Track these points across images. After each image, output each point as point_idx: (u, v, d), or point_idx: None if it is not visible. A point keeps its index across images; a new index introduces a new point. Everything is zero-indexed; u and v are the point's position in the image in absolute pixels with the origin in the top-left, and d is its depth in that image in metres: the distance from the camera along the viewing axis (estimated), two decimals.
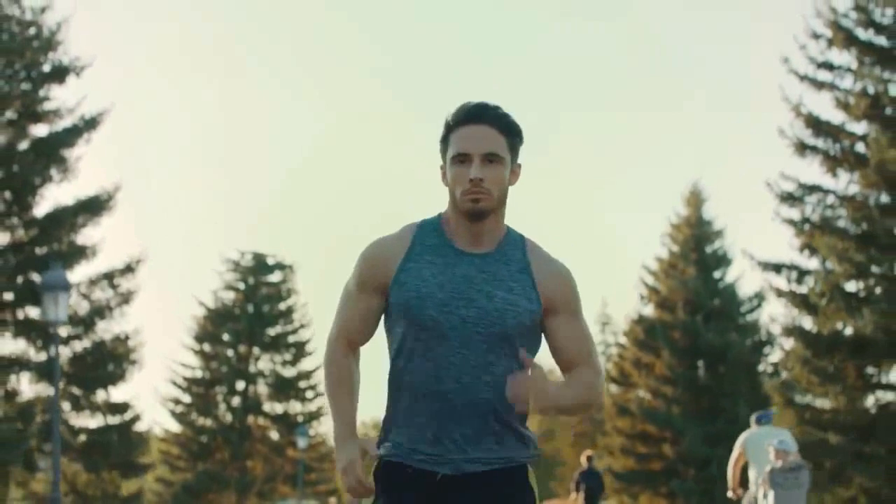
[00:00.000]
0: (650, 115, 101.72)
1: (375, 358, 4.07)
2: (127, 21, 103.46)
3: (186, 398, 50.97)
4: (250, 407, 51.22)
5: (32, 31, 30.30)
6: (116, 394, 33.06)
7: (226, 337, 51.81)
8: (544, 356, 3.96)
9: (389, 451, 3.89)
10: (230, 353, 51.79)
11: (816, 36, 30.26)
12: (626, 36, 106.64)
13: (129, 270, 31.99)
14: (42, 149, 29.74)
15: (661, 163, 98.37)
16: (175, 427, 51.26)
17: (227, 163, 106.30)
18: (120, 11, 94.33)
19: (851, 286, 29.60)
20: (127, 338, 32.04)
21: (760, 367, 44.89)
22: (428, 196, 65.02)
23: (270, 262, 53.37)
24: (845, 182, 30.05)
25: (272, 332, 52.28)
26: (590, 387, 3.85)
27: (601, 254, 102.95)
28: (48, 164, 29.73)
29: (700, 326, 45.54)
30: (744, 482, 16.00)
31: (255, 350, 51.97)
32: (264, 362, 52.23)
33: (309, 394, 52.32)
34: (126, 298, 31.95)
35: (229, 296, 52.74)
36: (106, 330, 31.97)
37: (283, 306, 52.85)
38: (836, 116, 30.44)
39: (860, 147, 29.82)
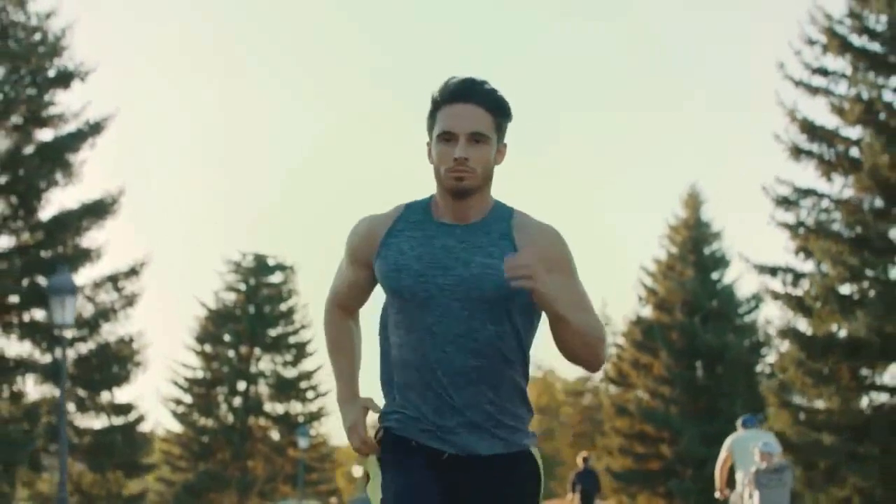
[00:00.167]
0: (650, 116, 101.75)
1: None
2: (126, 22, 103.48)
3: (188, 398, 51.18)
4: (251, 407, 51.40)
5: (38, 36, 30.40)
6: (121, 395, 33.23)
7: (227, 338, 51.99)
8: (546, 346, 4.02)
9: (393, 424, 3.86)
10: (231, 353, 51.98)
11: (811, 42, 30.35)
12: (626, 36, 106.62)
13: (134, 273, 32.09)
14: (47, 153, 29.83)
15: (661, 163, 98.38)
16: (176, 427, 51.49)
17: (227, 164, 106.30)
18: (119, 12, 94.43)
19: (846, 289, 29.67)
20: (131, 340, 32.16)
21: (758, 368, 45.06)
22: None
23: (271, 263, 53.52)
24: (840, 186, 30.16)
25: (273, 332, 52.44)
26: (595, 326, 3.76)
27: (600, 254, 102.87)
28: (53, 169, 29.82)
29: (698, 327, 45.74)
30: (731, 483, 16.48)
31: (257, 351, 52.16)
32: (265, 363, 52.45)
33: (310, 394, 52.47)
34: (130, 301, 32.07)
35: (230, 297, 52.94)
36: (110, 332, 32.09)
37: (283, 307, 52.99)
38: (830, 121, 30.55)
39: (854, 152, 29.90)
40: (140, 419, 33.84)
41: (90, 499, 32.88)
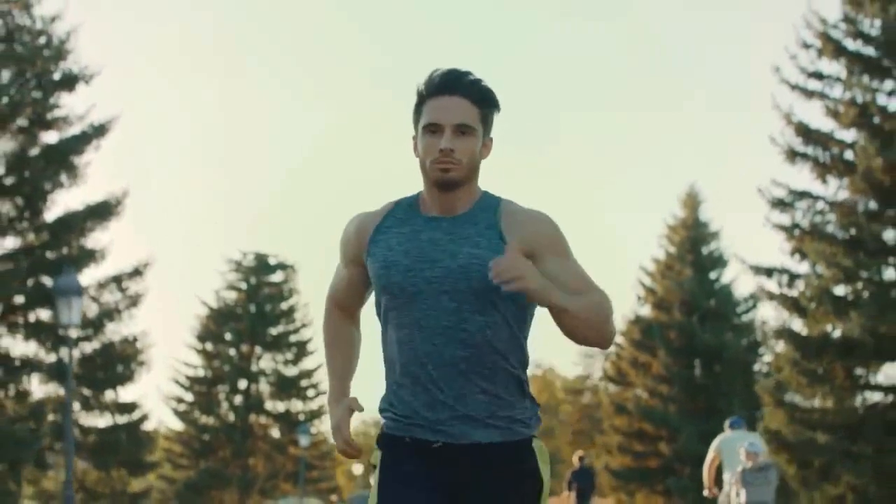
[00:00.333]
0: (650, 116, 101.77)
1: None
2: (126, 23, 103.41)
3: (189, 397, 51.23)
4: (252, 405, 51.45)
5: (43, 40, 30.48)
6: (125, 394, 33.37)
7: (228, 336, 52.04)
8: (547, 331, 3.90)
9: (388, 424, 3.85)
10: (232, 352, 52.05)
11: (807, 46, 30.43)
12: (626, 36, 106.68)
13: (137, 274, 32.24)
14: (52, 155, 29.92)
15: (661, 164, 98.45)
16: (178, 425, 51.62)
17: (228, 164, 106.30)
18: (119, 13, 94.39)
19: (840, 290, 29.78)
20: (135, 340, 32.33)
21: (756, 367, 45.10)
22: None
23: (272, 262, 53.58)
24: (834, 188, 30.28)
25: (274, 331, 52.52)
26: (598, 304, 3.70)
27: (600, 254, 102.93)
28: (58, 171, 29.94)
29: (696, 327, 45.88)
30: (718, 482, 16.95)
31: (257, 349, 52.22)
32: (266, 361, 52.50)
33: (310, 392, 52.56)
34: (134, 301, 32.20)
35: (232, 295, 53.00)
36: (115, 332, 32.27)
37: (284, 306, 53.10)
38: (825, 124, 30.62)
39: (849, 155, 30.01)
40: (144, 418, 33.99)
41: (94, 496, 33.02)
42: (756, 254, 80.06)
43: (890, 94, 29.87)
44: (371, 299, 4.01)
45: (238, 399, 51.57)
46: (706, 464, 16.56)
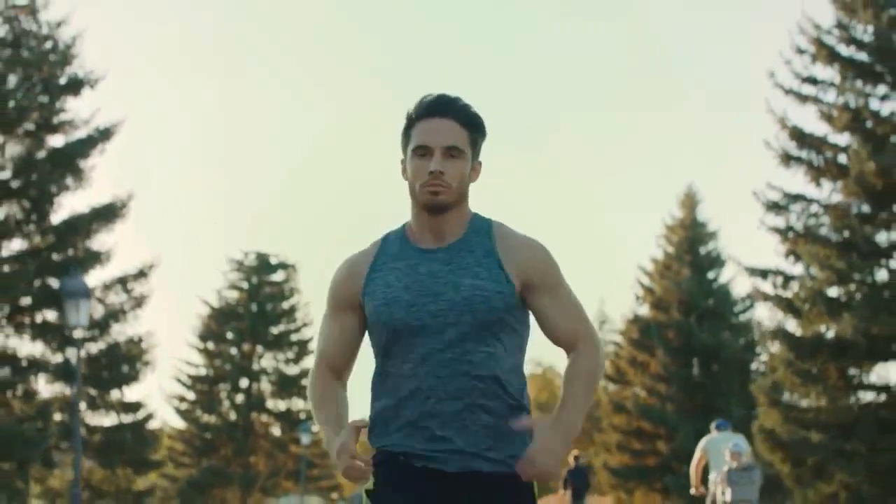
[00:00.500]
0: (650, 116, 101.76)
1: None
2: (126, 24, 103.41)
3: (191, 395, 51.17)
4: (254, 404, 51.39)
5: (49, 45, 30.65)
6: (130, 394, 33.57)
7: (230, 335, 51.97)
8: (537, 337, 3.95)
9: (385, 445, 3.78)
10: (234, 351, 52.02)
11: (801, 51, 30.65)
12: (626, 36, 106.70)
13: (142, 275, 32.47)
14: (59, 159, 30.07)
15: (660, 163, 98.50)
16: (180, 424, 51.47)
17: (228, 164, 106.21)
18: (118, 14, 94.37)
19: (833, 291, 29.95)
20: (140, 340, 32.53)
21: (753, 366, 45.18)
22: None
23: (273, 261, 53.50)
24: (828, 192, 30.46)
25: (275, 330, 52.42)
26: (591, 371, 3.75)
27: (600, 253, 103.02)
28: (64, 174, 30.11)
29: (694, 326, 46.08)
30: (705, 481, 17.49)
31: (259, 348, 52.13)
32: (267, 360, 52.43)
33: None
34: (139, 302, 32.42)
35: (233, 295, 52.94)
36: (120, 332, 32.46)
37: (285, 305, 53.04)
38: (819, 129, 30.85)
39: (842, 158, 30.20)
40: (149, 417, 34.19)
41: (100, 494, 33.25)
42: (755, 254, 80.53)
43: (882, 98, 30.10)
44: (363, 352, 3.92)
45: (239, 398, 51.52)
46: (693, 463, 17.20)
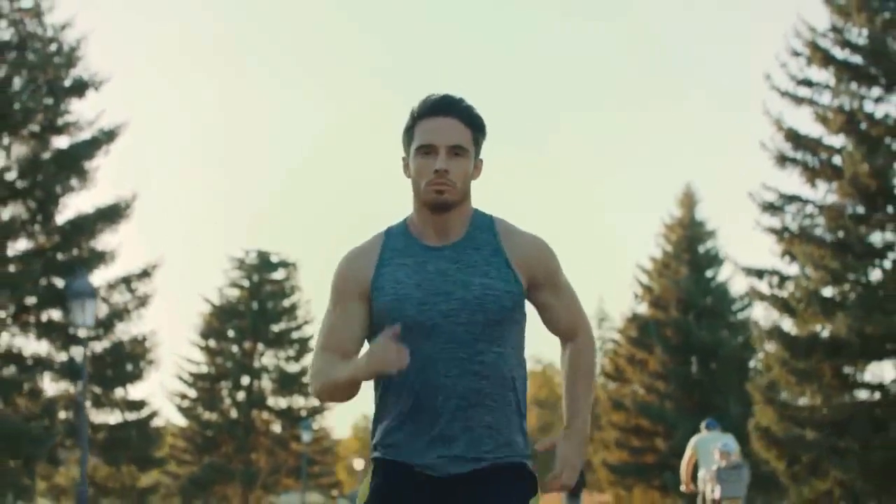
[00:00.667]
0: (649, 116, 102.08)
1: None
2: (126, 25, 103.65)
3: (192, 393, 51.25)
4: (255, 401, 51.45)
5: (54, 47, 30.75)
6: (134, 392, 33.83)
7: (231, 333, 52.01)
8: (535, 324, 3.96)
9: (386, 452, 3.78)
10: (235, 349, 52.07)
11: (796, 54, 30.83)
12: (626, 36, 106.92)
13: (146, 275, 32.66)
14: (63, 160, 30.22)
15: (659, 163, 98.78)
16: (181, 421, 51.61)
17: (229, 164, 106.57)
18: (118, 14, 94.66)
19: (828, 291, 30.17)
20: (144, 339, 32.74)
21: (751, 364, 44.96)
22: None
23: (274, 259, 53.55)
24: (823, 192, 30.64)
25: (276, 328, 52.48)
26: (590, 366, 3.89)
27: (599, 252, 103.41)
28: (69, 175, 30.26)
29: (692, 324, 46.37)
30: (695, 478, 17.94)
31: (260, 346, 52.14)
32: (268, 358, 52.45)
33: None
34: (143, 301, 32.60)
35: (234, 293, 53.00)
36: (124, 331, 32.67)
37: (286, 303, 53.07)
38: (814, 130, 31.04)
39: (837, 159, 30.37)
40: (153, 415, 34.43)
41: (105, 491, 33.53)
42: (753, 254, 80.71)
43: (876, 101, 30.28)
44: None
45: (241, 395, 51.58)
46: (683, 462, 17.69)
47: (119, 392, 32.95)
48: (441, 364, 3.66)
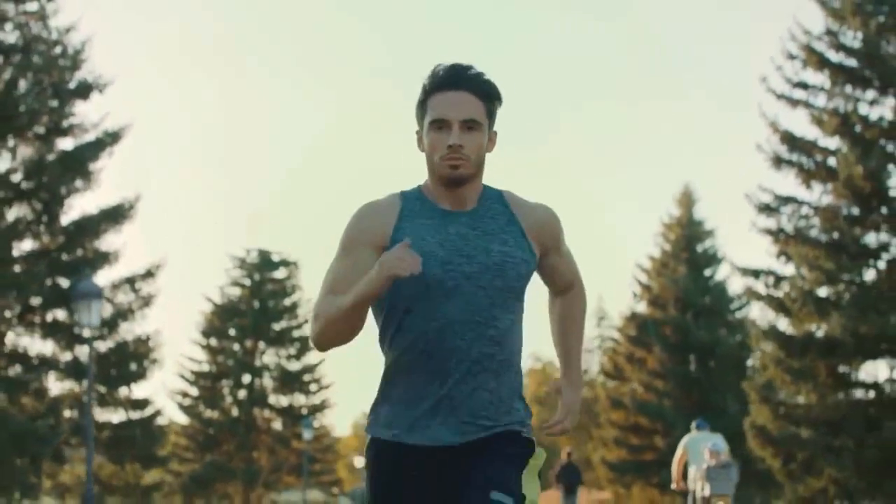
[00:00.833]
0: (649, 115, 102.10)
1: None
2: (126, 25, 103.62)
3: (194, 391, 51.33)
4: (256, 400, 51.58)
5: (59, 50, 30.92)
6: (138, 391, 34.19)
7: (232, 332, 52.10)
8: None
9: (384, 431, 3.77)
10: (236, 347, 52.16)
11: (792, 57, 31.01)
12: (626, 36, 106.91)
13: (150, 275, 32.97)
14: (68, 162, 30.42)
15: (658, 162, 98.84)
16: (183, 419, 51.66)
17: (229, 163, 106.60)
18: (119, 12, 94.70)
19: (823, 291, 30.36)
20: (148, 338, 33.03)
21: (749, 363, 44.88)
22: None
23: (275, 258, 53.56)
24: (818, 194, 30.81)
25: (277, 326, 52.54)
26: (584, 313, 4.04)
27: (598, 251, 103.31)
28: (74, 176, 30.47)
29: (691, 323, 46.53)
30: (685, 477, 18.36)
31: (261, 344, 52.23)
32: (269, 356, 52.55)
33: (313, 387, 52.58)
34: (147, 301, 32.92)
35: (235, 292, 53.06)
36: (128, 331, 33.00)
37: (287, 302, 53.14)
38: (810, 132, 31.23)
39: (832, 161, 30.54)
40: (157, 413, 34.76)
41: (109, 489, 33.80)
42: (751, 253, 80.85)
43: (871, 103, 30.51)
44: None
45: (242, 393, 51.69)
46: (675, 461, 18.18)
47: (123, 391, 33.27)
48: (458, 326, 3.66)
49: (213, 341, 52.30)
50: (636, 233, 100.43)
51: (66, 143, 31.36)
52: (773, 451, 30.62)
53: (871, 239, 30.40)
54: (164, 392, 50.54)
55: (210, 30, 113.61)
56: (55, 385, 31.18)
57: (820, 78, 31.06)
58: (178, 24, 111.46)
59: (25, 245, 30.73)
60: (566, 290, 4.00)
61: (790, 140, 30.98)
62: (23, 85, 29.86)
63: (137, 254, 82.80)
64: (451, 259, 3.65)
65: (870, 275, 30.60)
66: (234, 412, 51.64)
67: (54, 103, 30.56)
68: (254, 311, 52.24)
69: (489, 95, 3.71)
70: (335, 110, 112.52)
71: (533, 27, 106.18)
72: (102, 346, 32.51)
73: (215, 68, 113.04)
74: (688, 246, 48.92)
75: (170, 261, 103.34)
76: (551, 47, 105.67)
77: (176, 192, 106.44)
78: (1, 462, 27.07)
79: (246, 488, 50.06)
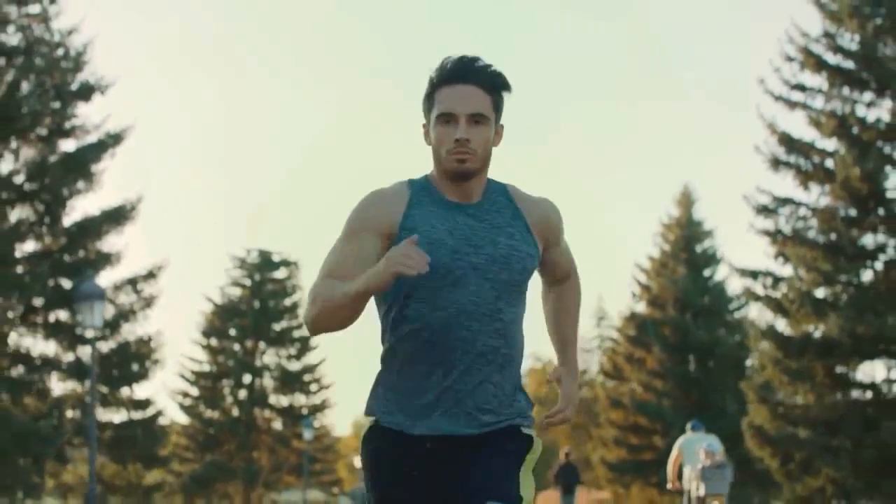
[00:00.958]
0: (649, 115, 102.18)
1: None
2: (126, 26, 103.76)
3: (195, 391, 51.45)
4: (256, 400, 51.69)
5: (61, 52, 31.07)
6: (140, 391, 34.31)
7: (233, 332, 52.22)
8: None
9: (385, 417, 3.72)
10: (237, 347, 52.29)
11: (790, 59, 31.14)
12: (626, 36, 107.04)
13: (151, 276, 33.10)
14: (70, 163, 30.55)
15: (658, 162, 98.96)
16: (183, 419, 51.71)
17: (229, 163, 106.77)
18: (118, 13, 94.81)
19: (820, 292, 30.51)
20: (149, 339, 33.15)
21: (748, 363, 45.12)
22: None
23: (276, 259, 53.67)
24: (816, 195, 30.95)
25: (277, 326, 52.69)
26: (579, 303, 4.06)
27: (597, 251, 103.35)
28: (76, 177, 30.61)
29: (690, 323, 46.65)
30: (680, 477, 18.55)
31: (261, 344, 52.36)
32: (270, 356, 52.70)
33: (313, 387, 52.72)
34: (148, 302, 33.07)
35: (236, 292, 53.19)
36: (130, 332, 33.10)
37: (288, 302, 53.23)
38: (807, 134, 31.48)
39: (829, 163, 30.68)
40: (158, 414, 34.87)
41: (111, 489, 33.91)
42: (750, 253, 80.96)
43: (868, 105, 30.67)
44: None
45: (242, 393, 51.79)
46: (670, 461, 18.44)
47: (125, 391, 33.37)
48: (464, 317, 3.64)
49: (214, 341, 52.39)
50: (636, 233, 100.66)
51: (68, 145, 31.55)
52: (771, 451, 30.78)
53: (869, 240, 30.55)
54: (165, 392, 50.66)
55: (210, 30, 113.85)
56: (58, 385, 31.39)
57: (817, 80, 31.22)
58: (178, 25, 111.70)
59: (28, 246, 30.84)
60: (562, 282, 4.02)
61: (788, 142, 31.08)
62: (25, 87, 29.95)
63: (139, 255, 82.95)
64: (460, 248, 3.64)
65: (867, 276, 30.75)
66: (235, 412, 51.71)
67: (56, 105, 30.67)
68: (254, 311, 52.31)
69: (496, 88, 3.72)
70: (335, 110, 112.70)
71: (533, 27, 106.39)
72: (105, 346, 32.60)
73: (215, 68, 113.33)
74: (687, 246, 49.01)
75: (171, 261, 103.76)
76: (551, 47, 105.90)
77: (176, 192, 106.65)
78: (4, 462, 27.20)
79: (246, 488, 50.14)
